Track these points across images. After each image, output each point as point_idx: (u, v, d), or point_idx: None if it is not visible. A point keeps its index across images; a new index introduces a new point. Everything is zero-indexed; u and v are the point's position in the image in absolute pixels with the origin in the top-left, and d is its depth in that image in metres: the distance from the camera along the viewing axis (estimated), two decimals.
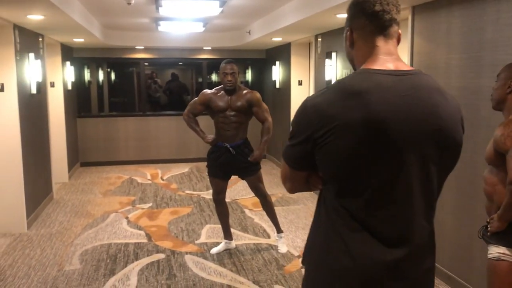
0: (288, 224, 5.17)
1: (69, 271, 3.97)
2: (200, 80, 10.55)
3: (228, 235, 4.42)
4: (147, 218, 5.47)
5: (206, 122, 4.73)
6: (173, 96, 10.53)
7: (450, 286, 3.55)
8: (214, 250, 4.36)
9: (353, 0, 1.39)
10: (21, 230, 4.99)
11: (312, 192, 6.32)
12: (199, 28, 7.13)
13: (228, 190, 4.42)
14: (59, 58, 7.17)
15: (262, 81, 9.48)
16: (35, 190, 5.46)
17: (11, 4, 3.90)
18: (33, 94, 5.47)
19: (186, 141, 8.92)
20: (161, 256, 4.29)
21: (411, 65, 3.93)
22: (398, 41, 1.38)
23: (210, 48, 8.90)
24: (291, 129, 1.37)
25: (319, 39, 6.36)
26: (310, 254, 1.43)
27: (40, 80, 5.70)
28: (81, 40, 7.07)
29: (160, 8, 5.14)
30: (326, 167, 1.32)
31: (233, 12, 5.91)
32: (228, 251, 4.37)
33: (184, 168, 8.39)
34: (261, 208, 4.60)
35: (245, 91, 4.19)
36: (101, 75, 9.95)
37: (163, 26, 6.99)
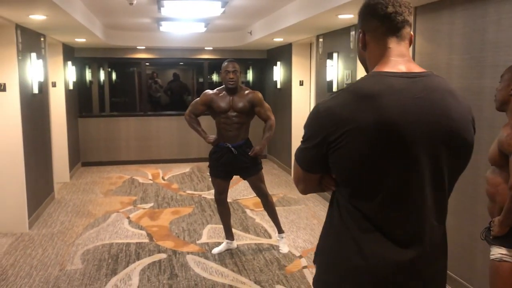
0: (289, 224, 5.17)
1: (71, 271, 3.98)
2: (201, 80, 10.55)
3: (229, 235, 4.43)
4: (148, 218, 5.47)
5: (207, 122, 4.74)
6: (174, 96, 10.54)
7: (452, 287, 3.55)
8: (216, 250, 4.36)
9: (365, 2, 1.39)
10: (23, 230, 5.00)
11: (310, 193, 6.35)
12: (201, 28, 7.13)
13: (229, 190, 4.42)
14: (60, 58, 7.18)
15: (263, 81, 9.48)
16: (36, 190, 5.47)
17: (14, 4, 3.90)
18: (35, 94, 5.48)
19: (187, 141, 8.93)
20: (163, 256, 4.29)
21: None
22: (410, 42, 1.38)
23: (211, 48, 8.90)
24: (304, 132, 1.37)
25: (321, 40, 6.36)
26: (322, 254, 1.44)
27: (42, 80, 5.71)
28: (83, 40, 7.07)
29: (162, 8, 5.15)
30: (339, 170, 1.33)
31: (235, 13, 5.91)
32: (229, 251, 4.37)
33: (185, 168, 8.39)
34: (262, 208, 4.60)
35: (246, 91, 4.20)
36: (102, 75, 9.96)
37: (164, 26, 6.99)
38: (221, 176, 4.25)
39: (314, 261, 1.49)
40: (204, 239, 4.75)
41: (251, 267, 4.03)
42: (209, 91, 4.29)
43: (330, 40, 6.06)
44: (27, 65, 5.24)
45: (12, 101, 4.87)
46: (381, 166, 1.27)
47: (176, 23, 6.77)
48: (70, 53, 8.00)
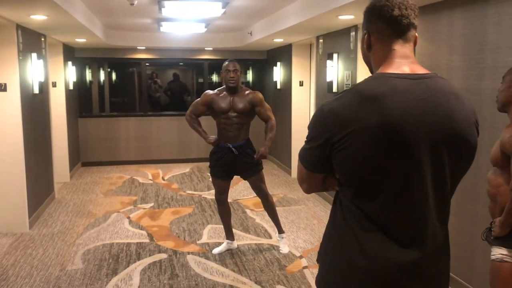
0: (290, 225, 5.18)
1: (71, 271, 3.98)
2: (200, 80, 10.56)
3: (230, 235, 4.43)
4: (148, 218, 5.48)
5: (208, 123, 4.75)
6: (174, 97, 10.55)
7: (452, 287, 3.56)
8: (216, 250, 4.37)
9: (371, 3, 1.39)
10: (23, 229, 5.00)
11: (313, 192, 6.36)
12: (201, 29, 7.14)
13: (229, 190, 4.43)
14: (61, 58, 7.18)
15: (263, 81, 9.49)
16: (37, 190, 5.47)
17: (15, 4, 3.91)
18: (36, 94, 5.49)
19: (187, 141, 8.94)
20: (163, 256, 4.30)
21: None
22: (415, 43, 1.39)
23: (211, 48, 8.91)
24: (308, 132, 1.38)
25: (321, 40, 6.37)
26: (325, 254, 1.46)
27: (42, 80, 5.71)
28: (83, 40, 7.08)
29: (162, 9, 5.15)
30: (343, 170, 1.34)
31: (235, 13, 5.92)
32: (230, 251, 4.38)
33: (185, 168, 8.40)
34: (262, 209, 4.61)
35: (247, 92, 4.21)
36: (102, 75, 9.96)
37: (165, 27, 7.00)
38: (221, 176, 4.25)
39: (318, 260, 1.51)
40: (204, 239, 4.76)
41: (251, 267, 4.04)
42: (210, 92, 4.29)
43: (330, 41, 6.07)
44: (27, 65, 5.25)
45: (12, 101, 4.87)
46: (384, 167, 1.28)
47: (177, 23, 6.78)
48: (70, 53, 8.00)
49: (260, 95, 4.24)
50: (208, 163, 4.40)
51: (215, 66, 9.42)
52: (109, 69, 10.18)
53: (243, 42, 8.03)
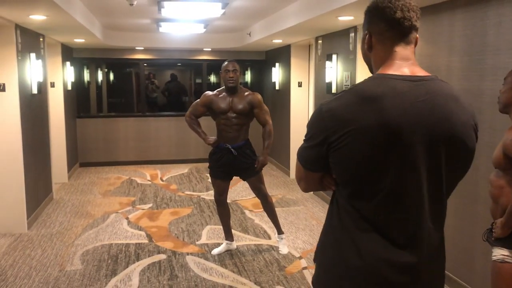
0: (289, 225, 5.18)
1: (70, 272, 3.97)
2: (198, 81, 10.56)
3: (229, 236, 4.43)
4: (147, 218, 5.47)
5: (207, 123, 4.74)
6: (172, 97, 10.54)
7: None
8: (215, 251, 4.37)
9: (373, 4, 1.38)
10: (22, 230, 4.99)
11: (313, 193, 6.36)
12: (200, 29, 7.13)
13: (228, 191, 4.43)
14: (59, 58, 7.17)
15: (261, 82, 9.49)
16: (35, 190, 5.46)
17: (14, 4, 3.90)
18: (34, 94, 5.47)
19: (185, 142, 8.93)
20: (162, 256, 4.29)
21: None
22: (416, 45, 1.39)
23: (210, 49, 8.91)
24: (306, 131, 1.39)
25: (320, 41, 6.38)
26: (322, 253, 1.46)
27: (41, 80, 5.70)
28: (82, 40, 7.07)
29: (162, 9, 5.15)
30: (339, 170, 1.34)
31: (235, 14, 5.92)
32: (229, 252, 4.38)
33: (183, 169, 8.39)
34: (261, 209, 4.61)
35: (246, 93, 4.21)
36: (100, 76, 9.95)
37: (164, 27, 6.99)
38: (221, 177, 4.25)
39: (314, 260, 1.51)
40: (203, 240, 4.75)
41: (251, 268, 4.04)
42: (209, 92, 4.29)
43: (329, 42, 6.08)
44: (26, 65, 5.23)
45: (11, 101, 4.86)
46: (380, 168, 1.28)
47: (176, 24, 6.77)
48: (68, 53, 7.98)
49: (259, 96, 4.24)
50: (207, 164, 4.40)
51: (213, 66, 9.42)
52: (106, 70, 10.16)
53: (241, 43, 8.03)
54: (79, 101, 8.71)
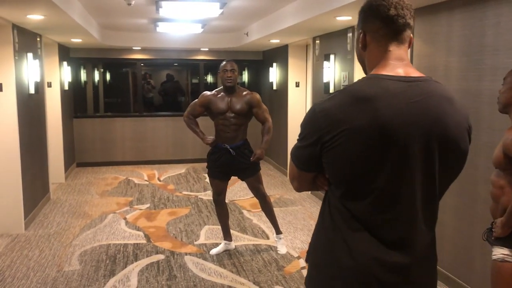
0: (287, 225, 5.18)
1: (68, 272, 3.96)
2: (195, 81, 10.55)
3: (227, 236, 4.43)
4: (145, 219, 5.46)
5: (206, 123, 4.74)
6: (168, 97, 10.52)
7: (450, 287, 3.58)
8: (214, 251, 4.36)
9: (367, 3, 1.38)
10: (19, 231, 4.97)
11: (310, 193, 6.36)
12: (197, 29, 7.13)
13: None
14: (56, 58, 7.15)
15: (259, 82, 9.49)
16: (32, 191, 5.44)
17: (12, 3, 3.88)
18: (31, 94, 5.46)
19: (182, 142, 8.92)
20: (161, 257, 4.28)
21: None
22: (410, 44, 1.39)
23: (207, 49, 8.90)
24: (300, 131, 1.39)
25: (317, 41, 6.38)
26: (314, 254, 1.46)
27: (38, 80, 5.68)
28: (79, 40, 7.05)
29: (160, 9, 5.14)
30: (332, 170, 1.34)
31: (233, 14, 5.92)
32: (227, 252, 4.37)
33: (181, 169, 8.38)
34: (259, 209, 4.61)
35: (244, 93, 4.21)
36: (97, 76, 9.92)
37: (161, 27, 6.98)
38: (219, 177, 4.25)
39: (306, 260, 1.51)
40: (201, 240, 4.75)
41: (249, 268, 4.04)
42: (207, 93, 4.29)
43: (327, 42, 6.09)
44: (23, 65, 5.22)
45: (8, 101, 4.84)
46: (373, 168, 1.28)
47: (173, 24, 6.76)
48: (65, 53, 7.96)
49: (257, 96, 4.24)
50: (204, 164, 4.39)
51: (210, 66, 9.42)
52: (103, 70, 10.14)
53: (239, 43, 8.03)
54: (76, 101, 8.69)
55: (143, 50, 8.96)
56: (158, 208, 5.92)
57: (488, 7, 3.16)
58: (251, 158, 4.14)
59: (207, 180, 4.41)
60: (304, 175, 1.43)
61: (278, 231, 4.45)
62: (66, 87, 7.73)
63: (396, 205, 1.31)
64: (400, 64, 1.34)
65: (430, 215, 1.37)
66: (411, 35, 1.39)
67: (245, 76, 10.03)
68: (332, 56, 5.79)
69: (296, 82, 7.65)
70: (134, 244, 4.62)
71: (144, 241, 4.69)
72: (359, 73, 5.15)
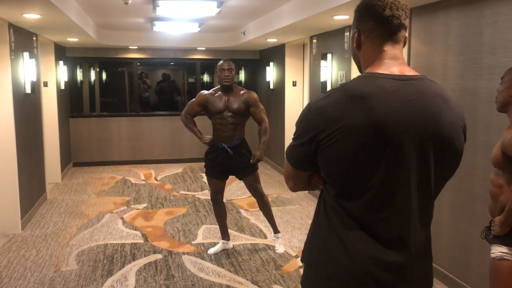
0: (284, 224, 5.18)
1: (66, 272, 3.94)
2: (191, 80, 10.53)
3: (225, 235, 4.42)
4: (142, 218, 5.45)
5: (203, 122, 4.73)
6: (165, 96, 10.50)
7: (448, 286, 3.58)
8: (212, 251, 4.36)
9: (362, 2, 1.38)
10: (16, 231, 4.94)
11: (307, 192, 6.37)
12: (194, 28, 7.12)
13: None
14: (52, 58, 7.12)
15: (256, 82, 9.49)
16: (29, 191, 5.42)
17: (8, 2, 3.86)
18: (28, 93, 5.43)
19: (179, 142, 8.90)
20: (158, 256, 4.28)
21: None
22: (404, 44, 1.39)
23: (204, 48, 8.89)
24: (295, 129, 1.39)
25: (314, 41, 6.38)
26: (309, 253, 1.45)
27: (34, 79, 5.66)
28: (75, 39, 7.02)
29: (157, 8, 5.13)
30: (328, 168, 1.34)
31: (230, 13, 5.91)
32: (225, 251, 4.37)
33: (177, 169, 8.37)
34: (257, 209, 4.61)
35: (242, 92, 4.21)
36: (93, 75, 9.89)
37: (158, 26, 6.97)
38: (217, 176, 4.25)
39: (302, 260, 1.50)
40: (199, 239, 4.74)
41: (247, 267, 4.03)
42: (205, 92, 4.28)
43: (324, 41, 6.09)
44: (19, 64, 5.19)
45: (5, 101, 4.82)
46: (368, 166, 1.28)
47: (170, 23, 6.75)
48: (61, 52, 7.93)
49: (255, 95, 4.24)
50: (201, 163, 4.39)
51: (207, 66, 9.40)
52: (99, 69, 10.10)
53: (236, 42, 8.02)
54: (72, 100, 8.67)
55: (140, 50, 8.94)
56: (155, 207, 5.91)
57: (485, 6, 3.17)
58: (251, 160, 4.14)
59: (204, 179, 4.40)
60: (299, 174, 1.43)
61: (275, 230, 4.45)
62: (62, 87, 7.70)
63: (392, 204, 1.31)
64: (395, 63, 1.34)
65: (426, 214, 1.37)
66: (406, 35, 1.39)
67: (242, 76, 10.02)
68: (329, 55, 5.79)
69: (293, 82, 7.65)
70: (132, 243, 4.61)
71: (141, 241, 4.68)
72: (356, 72, 5.11)
